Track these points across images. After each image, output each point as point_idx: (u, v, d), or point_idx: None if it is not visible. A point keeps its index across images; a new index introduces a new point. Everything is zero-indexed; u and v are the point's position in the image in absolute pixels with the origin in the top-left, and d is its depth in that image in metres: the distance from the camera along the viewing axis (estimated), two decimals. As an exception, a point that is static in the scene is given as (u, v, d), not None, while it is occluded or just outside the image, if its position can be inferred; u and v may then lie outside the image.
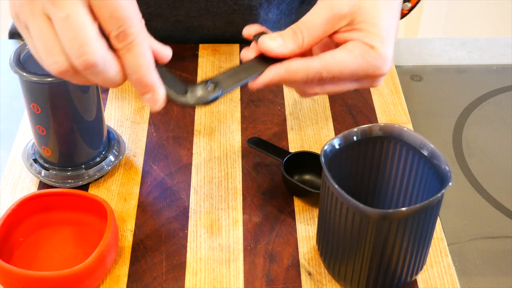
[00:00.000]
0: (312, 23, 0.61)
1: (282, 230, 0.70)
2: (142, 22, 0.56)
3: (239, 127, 0.82)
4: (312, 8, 0.62)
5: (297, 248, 0.68)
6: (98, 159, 0.74)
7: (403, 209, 0.57)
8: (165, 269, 0.66)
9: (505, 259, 0.69)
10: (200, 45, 0.94)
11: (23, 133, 0.80)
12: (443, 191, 0.58)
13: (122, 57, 0.53)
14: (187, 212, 0.72)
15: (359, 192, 0.67)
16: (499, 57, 0.95)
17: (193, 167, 0.77)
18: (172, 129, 0.81)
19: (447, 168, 0.59)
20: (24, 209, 0.67)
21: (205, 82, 0.60)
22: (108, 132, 0.76)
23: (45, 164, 0.73)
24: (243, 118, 0.83)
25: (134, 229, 0.70)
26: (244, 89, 0.86)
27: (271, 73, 0.60)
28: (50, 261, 0.66)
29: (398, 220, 0.57)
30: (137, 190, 0.74)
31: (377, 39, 0.60)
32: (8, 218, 0.65)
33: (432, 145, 0.62)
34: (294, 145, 0.79)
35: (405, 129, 0.63)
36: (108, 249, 0.63)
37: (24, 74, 0.66)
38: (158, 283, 0.65)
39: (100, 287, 0.65)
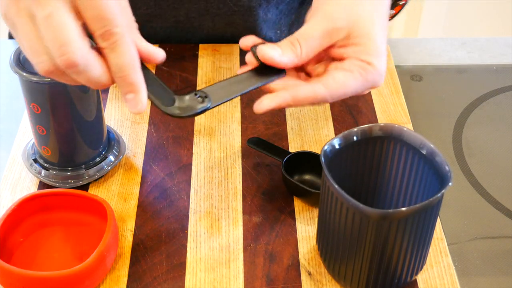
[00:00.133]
0: (310, 35, 0.62)
1: (282, 230, 0.70)
2: (135, 25, 0.56)
3: (239, 127, 0.82)
4: (309, 20, 0.63)
5: (297, 248, 0.68)
6: (98, 159, 0.74)
7: (403, 209, 0.57)
8: (165, 269, 0.66)
9: (505, 259, 0.69)
10: (200, 45, 0.94)
11: (23, 133, 0.80)
12: (443, 191, 0.58)
13: (106, 56, 0.53)
14: (187, 212, 0.72)
15: (359, 192, 0.67)
16: (499, 57, 0.95)
17: (193, 167, 0.77)
18: (172, 129, 0.81)
19: (447, 168, 0.59)
20: (24, 209, 0.67)
21: (194, 93, 0.59)
22: (108, 132, 0.76)
23: (45, 164, 0.73)
24: (243, 118, 0.83)
25: (134, 229, 0.70)
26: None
27: (278, 100, 0.61)
28: (50, 261, 0.66)
29: (398, 220, 0.57)
30: (137, 190, 0.74)
31: (374, 54, 0.62)
32: (8, 218, 0.65)
33: (432, 145, 0.62)
34: (294, 145, 0.79)
35: (405, 129, 0.63)
36: (108, 249, 0.63)
37: (24, 74, 0.66)
38: (158, 283, 0.65)
39: (100, 287, 0.65)
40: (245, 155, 0.78)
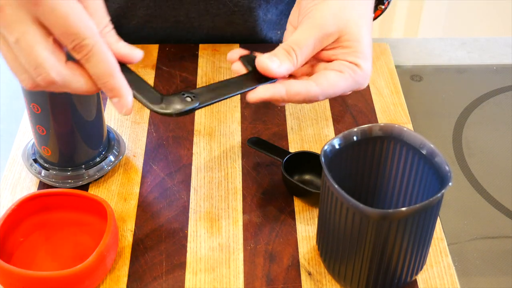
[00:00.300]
0: (304, 43, 0.63)
1: (282, 230, 0.70)
2: (110, 26, 0.56)
3: (239, 127, 0.82)
4: (300, 27, 0.64)
5: (297, 248, 0.68)
6: (98, 159, 0.74)
7: (403, 209, 0.57)
8: (165, 269, 0.66)
9: (505, 259, 0.69)
10: (200, 45, 0.94)
11: (23, 133, 0.80)
12: (443, 191, 0.58)
13: (84, 66, 0.54)
14: (187, 212, 0.72)
15: (359, 192, 0.67)
16: (499, 57, 0.95)
17: (193, 167, 0.77)
18: (172, 129, 0.81)
19: (447, 168, 0.59)
20: (24, 209, 0.67)
21: (182, 93, 0.59)
22: (108, 132, 0.76)
23: (45, 164, 0.73)
24: (243, 118, 0.83)
25: (134, 229, 0.70)
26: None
27: (272, 90, 0.62)
28: (50, 261, 0.66)
29: (398, 220, 0.57)
30: (137, 190, 0.74)
31: (361, 56, 0.63)
32: (8, 218, 0.65)
33: (432, 145, 0.62)
34: (294, 145, 0.79)
35: (405, 129, 0.63)
36: (108, 249, 0.63)
37: (24, 74, 0.66)
38: (158, 283, 0.65)
39: (100, 287, 0.65)
40: (245, 155, 0.78)
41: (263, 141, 0.77)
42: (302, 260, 0.67)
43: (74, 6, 0.52)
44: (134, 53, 0.57)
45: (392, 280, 0.62)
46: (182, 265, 0.67)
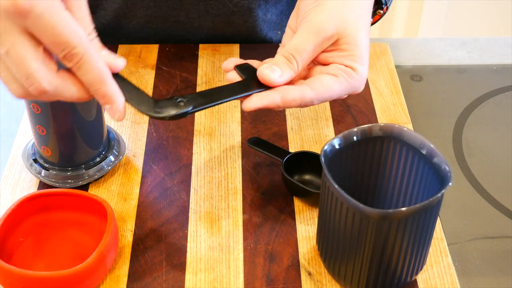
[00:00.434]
0: (303, 49, 0.63)
1: (282, 230, 0.70)
2: (94, 34, 0.56)
3: (239, 127, 0.82)
4: (299, 31, 0.64)
5: (297, 248, 0.68)
6: (98, 159, 0.74)
7: (403, 209, 0.57)
8: (165, 269, 0.66)
9: (505, 259, 0.69)
10: (200, 45, 0.94)
11: (23, 133, 0.80)
12: (443, 191, 0.58)
13: (76, 74, 0.54)
14: (187, 212, 0.72)
15: (359, 192, 0.67)
16: (499, 57, 0.95)
17: (193, 167, 0.77)
18: (172, 129, 0.81)
19: (447, 168, 0.59)
20: (24, 209, 0.67)
21: (175, 98, 0.59)
22: (108, 132, 0.76)
23: (45, 164, 0.73)
24: (243, 118, 0.83)
25: (134, 229, 0.70)
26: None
27: (268, 99, 0.62)
28: (50, 261, 0.66)
29: (398, 220, 0.57)
30: (137, 190, 0.74)
31: (358, 60, 0.63)
32: (8, 218, 0.65)
33: (432, 145, 0.62)
34: (294, 145, 0.79)
35: (405, 129, 0.63)
36: (108, 249, 0.63)
37: (24, 74, 0.66)
38: (158, 283, 0.65)
39: (100, 287, 0.65)
40: (245, 155, 0.78)
41: (263, 141, 0.77)
42: (302, 260, 0.67)
43: (62, 15, 0.52)
44: (117, 61, 0.57)
45: (392, 280, 0.62)
46: (182, 265, 0.67)
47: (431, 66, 0.94)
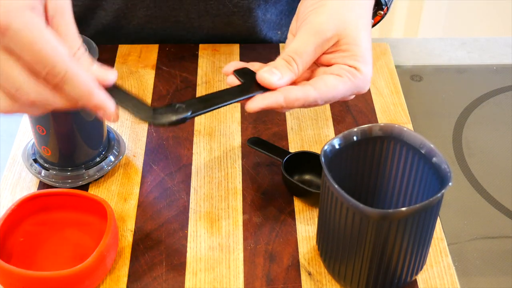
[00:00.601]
0: (304, 51, 0.63)
1: (282, 230, 0.70)
2: (82, 48, 0.56)
3: (239, 127, 0.82)
4: (299, 34, 0.64)
5: (297, 248, 0.68)
6: (98, 159, 0.74)
7: (403, 209, 0.57)
8: (165, 269, 0.66)
9: (505, 259, 0.69)
10: (200, 45, 0.94)
11: (23, 133, 0.80)
12: (443, 191, 0.58)
13: (62, 91, 0.54)
14: (187, 212, 0.72)
15: (359, 192, 0.67)
16: (499, 57, 0.95)
17: (193, 167, 0.77)
18: (172, 129, 0.81)
19: (447, 168, 0.59)
20: (24, 209, 0.67)
21: (174, 104, 0.59)
22: (108, 132, 0.77)
23: (45, 164, 0.73)
24: (243, 118, 0.83)
25: (134, 229, 0.70)
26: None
27: (270, 100, 0.62)
28: (50, 261, 0.66)
29: (398, 220, 0.57)
30: (137, 190, 0.74)
31: (361, 60, 0.63)
32: (8, 218, 0.65)
33: (432, 145, 0.62)
34: (294, 145, 0.79)
35: (405, 129, 0.63)
36: (108, 249, 0.63)
37: (24, 74, 0.66)
38: (158, 283, 0.65)
39: (100, 287, 0.65)
40: (245, 155, 0.78)
41: (263, 141, 0.77)
42: (302, 260, 0.67)
43: (41, 32, 0.51)
44: (108, 75, 0.57)
45: (392, 280, 0.62)
46: (182, 265, 0.67)
47: (431, 66, 0.94)
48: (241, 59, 0.91)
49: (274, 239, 0.69)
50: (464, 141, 0.82)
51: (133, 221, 0.71)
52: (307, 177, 0.75)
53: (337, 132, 0.81)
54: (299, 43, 0.63)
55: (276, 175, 0.76)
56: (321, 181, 0.64)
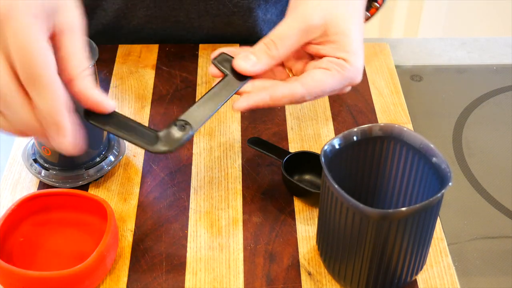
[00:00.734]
0: (285, 35, 0.63)
1: (282, 230, 0.70)
2: (88, 70, 0.54)
3: (239, 127, 0.82)
4: (284, 19, 0.64)
5: (297, 248, 0.68)
6: (98, 159, 0.74)
7: (403, 209, 0.57)
8: (165, 269, 0.66)
9: (505, 259, 0.69)
10: (200, 45, 0.94)
11: (23, 133, 0.80)
12: (443, 191, 0.58)
13: (34, 101, 0.52)
14: (187, 212, 0.72)
15: (359, 192, 0.67)
16: (499, 57, 0.95)
17: (193, 167, 0.77)
18: (172, 129, 0.81)
19: (447, 168, 0.59)
20: (24, 209, 0.67)
21: (174, 123, 0.59)
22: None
23: (45, 164, 0.73)
24: (243, 118, 0.83)
25: (134, 229, 0.70)
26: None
27: (256, 99, 0.62)
28: (50, 261, 0.66)
29: (398, 220, 0.57)
30: (137, 190, 0.74)
31: (350, 51, 0.63)
32: (8, 218, 0.65)
33: (432, 145, 0.62)
34: (294, 145, 0.79)
35: (405, 129, 0.63)
36: (108, 249, 0.63)
37: (24, 74, 0.66)
38: (158, 283, 0.65)
39: (100, 287, 0.65)
40: (245, 155, 0.78)
41: (263, 141, 0.77)
42: (302, 260, 0.67)
43: (36, 38, 0.50)
44: (107, 103, 0.56)
45: (392, 280, 0.62)
46: (182, 265, 0.67)
47: (431, 66, 0.94)
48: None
49: (274, 239, 0.69)
50: (464, 141, 0.82)
51: (133, 221, 0.71)
52: (307, 177, 0.75)
53: (337, 132, 0.81)
54: (283, 27, 0.63)
55: (276, 175, 0.76)
56: (321, 181, 0.64)
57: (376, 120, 0.83)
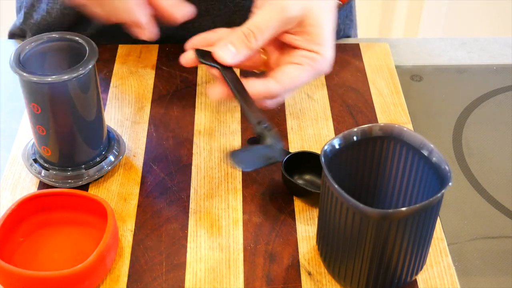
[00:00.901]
0: (264, 25, 0.65)
1: (282, 230, 0.70)
2: None
3: (239, 127, 0.82)
4: (262, 9, 0.65)
5: (297, 248, 0.68)
6: (98, 159, 0.74)
7: (403, 209, 0.57)
8: (165, 269, 0.66)
9: (505, 259, 0.69)
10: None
11: (23, 133, 0.80)
12: (443, 191, 0.58)
13: None
14: (187, 212, 0.72)
15: (359, 192, 0.67)
16: (499, 57, 0.95)
17: (193, 167, 0.77)
18: (172, 129, 0.81)
19: (447, 168, 0.59)
20: (24, 209, 0.67)
21: (264, 126, 0.65)
22: (108, 132, 0.76)
23: (45, 164, 0.73)
24: (243, 118, 0.83)
25: (134, 229, 0.70)
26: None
27: (228, 93, 0.65)
28: (50, 261, 0.66)
29: (398, 220, 0.57)
30: (137, 190, 0.74)
31: (321, 43, 0.65)
32: (8, 218, 0.65)
33: (432, 145, 0.62)
34: (294, 145, 0.79)
35: (405, 129, 0.63)
36: (108, 249, 0.63)
37: (24, 74, 0.66)
38: (158, 283, 0.65)
39: (100, 287, 0.65)
40: (245, 155, 0.78)
41: (263, 141, 0.77)
42: (302, 260, 0.67)
43: None
44: (179, 9, 0.64)
45: (392, 280, 0.62)
46: (182, 265, 0.67)
47: (431, 66, 0.94)
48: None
49: (274, 239, 0.69)
50: (464, 141, 0.82)
51: (133, 221, 0.71)
52: (307, 177, 0.75)
53: (337, 132, 0.81)
54: (262, 18, 0.64)
55: (276, 175, 0.76)
56: (321, 181, 0.64)
57: (376, 120, 0.83)
